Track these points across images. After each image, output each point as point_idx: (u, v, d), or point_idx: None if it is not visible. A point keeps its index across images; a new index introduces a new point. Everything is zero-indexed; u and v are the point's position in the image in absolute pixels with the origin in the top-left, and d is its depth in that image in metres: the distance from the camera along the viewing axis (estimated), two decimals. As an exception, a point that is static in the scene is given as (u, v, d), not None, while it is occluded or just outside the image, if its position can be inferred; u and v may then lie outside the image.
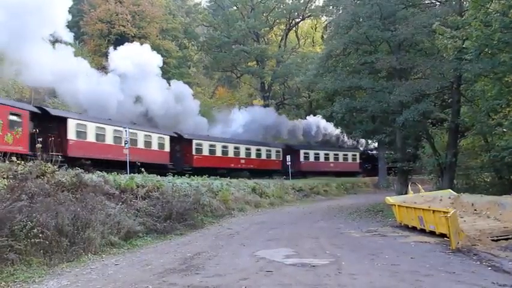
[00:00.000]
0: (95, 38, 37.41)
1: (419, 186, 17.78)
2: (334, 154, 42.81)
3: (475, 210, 13.20)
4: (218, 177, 25.21)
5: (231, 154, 33.96)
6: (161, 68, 34.12)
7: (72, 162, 19.20)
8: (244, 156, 34.99)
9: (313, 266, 8.79)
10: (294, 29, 51.92)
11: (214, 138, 34.02)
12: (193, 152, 30.93)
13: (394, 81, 20.46)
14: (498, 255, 9.31)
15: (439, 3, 20.98)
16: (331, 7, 30.58)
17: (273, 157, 37.84)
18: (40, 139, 13.81)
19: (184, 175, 24.60)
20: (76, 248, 10.40)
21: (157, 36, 39.67)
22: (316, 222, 17.27)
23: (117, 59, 30.67)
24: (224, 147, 33.55)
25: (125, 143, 22.16)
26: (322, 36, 47.61)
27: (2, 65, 24.16)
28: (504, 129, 15.36)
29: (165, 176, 19.71)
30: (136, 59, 30.97)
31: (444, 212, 10.95)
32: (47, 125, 20.75)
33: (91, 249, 10.78)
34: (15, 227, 9.42)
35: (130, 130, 24.22)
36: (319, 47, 47.70)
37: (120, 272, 9.06)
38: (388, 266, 8.64)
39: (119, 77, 30.22)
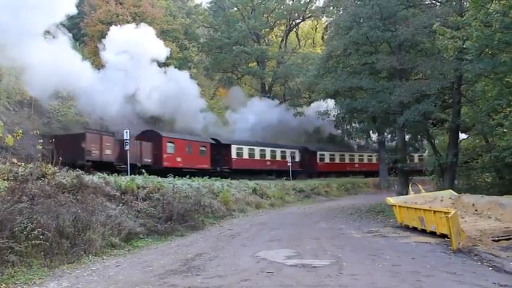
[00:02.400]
0: (95, 39, 37.29)
1: (420, 186, 17.77)
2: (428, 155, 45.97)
3: (476, 210, 13.19)
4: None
5: (347, 160, 45.04)
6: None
7: (235, 172, 30.76)
8: (358, 162, 46.01)
9: (314, 266, 8.78)
10: (294, 29, 51.84)
11: (334, 148, 44.37)
12: (318, 160, 41.94)
13: (394, 81, 20.44)
14: (499, 255, 9.30)
15: (439, 4, 20.94)
16: (331, 8, 30.65)
17: (374, 161, 46.52)
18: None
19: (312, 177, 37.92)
20: (77, 249, 10.40)
21: (157, 37, 39.56)
22: (317, 222, 17.25)
23: (112, 56, 29.74)
24: (341, 155, 44.57)
25: (125, 144, 22.10)
26: (323, 37, 47.51)
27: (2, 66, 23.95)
28: (505, 130, 15.32)
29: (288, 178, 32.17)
30: (131, 49, 29.77)
31: (445, 213, 10.93)
32: (219, 150, 32.64)
33: (92, 251, 10.78)
34: (16, 228, 9.42)
35: (260, 147, 36.44)
36: (320, 47, 47.62)
37: (120, 273, 9.06)
38: (389, 267, 8.63)
39: (122, 71, 28.94)
